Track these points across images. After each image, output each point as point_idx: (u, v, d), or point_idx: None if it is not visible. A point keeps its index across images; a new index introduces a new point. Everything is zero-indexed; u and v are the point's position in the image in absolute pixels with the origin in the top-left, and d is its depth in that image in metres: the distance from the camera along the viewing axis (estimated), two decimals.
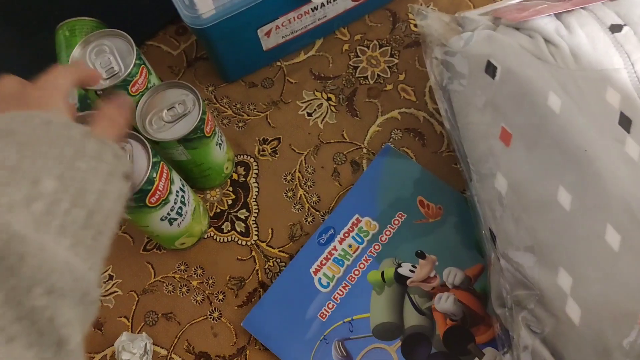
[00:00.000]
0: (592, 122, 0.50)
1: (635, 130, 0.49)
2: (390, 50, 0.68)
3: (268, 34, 0.62)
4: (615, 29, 0.54)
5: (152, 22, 0.71)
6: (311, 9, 0.62)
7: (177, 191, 0.51)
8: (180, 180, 0.53)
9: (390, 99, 0.66)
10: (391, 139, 0.64)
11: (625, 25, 0.54)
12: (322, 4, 0.63)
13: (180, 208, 0.52)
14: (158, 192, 0.49)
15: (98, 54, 0.53)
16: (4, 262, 0.27)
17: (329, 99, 0.66)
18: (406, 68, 0.67)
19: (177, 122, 0.53)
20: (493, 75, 0.54)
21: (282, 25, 0.62)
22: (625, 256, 0.45)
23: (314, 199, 0.62)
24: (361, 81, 0.67)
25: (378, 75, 0.67)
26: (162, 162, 0.49)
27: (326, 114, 0.65)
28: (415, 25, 0.69)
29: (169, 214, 0.52)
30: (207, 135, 0.55)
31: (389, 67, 0.67)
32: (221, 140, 0.59)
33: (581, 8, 0.57)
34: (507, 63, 0.54)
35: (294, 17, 0.62)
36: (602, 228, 0.47)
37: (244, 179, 0.63)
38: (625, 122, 0.50)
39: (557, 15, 0.57)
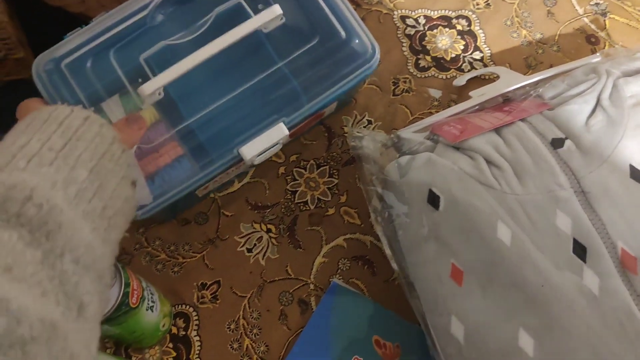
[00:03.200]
0: (546, 253, 0.47)
1: (591, 258, 0.46)
2: (328, 170, 0.65)
3: (206, 187, 0.58)
4: (557, 144, 0.51)
5: None
6: None
7: None
8: None
9: (333, 225, 0.62)
10: (339, 270, 0.59)
11: (566, 138, 0.51)
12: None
13: None
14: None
15: None
16: (45, 227, 0.32)
17: (268, 230, 0.62)
18: (347, 188, 0.64)
19: None
20: (437, 206, 0.51)
21: (218, 179, 0.58)
22: None
23: (262, 348, 0.57)
24: (301, 207, 0.63)
25: (318, 199, 0.63)
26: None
27: (267, 248, 0.61)
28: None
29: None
30: (134, 306, 0.49)
31: (329, 188, 0.64)
32: (152, 301, 0.53)
33: (521, 121, 0.54)
34: (451, 191, 0.51)
35: (231, 169, 0.58)
36: None
37: (184, 333, 0.58)
38: (579, 250, 0.47)
39: (497, 131, 0.54)
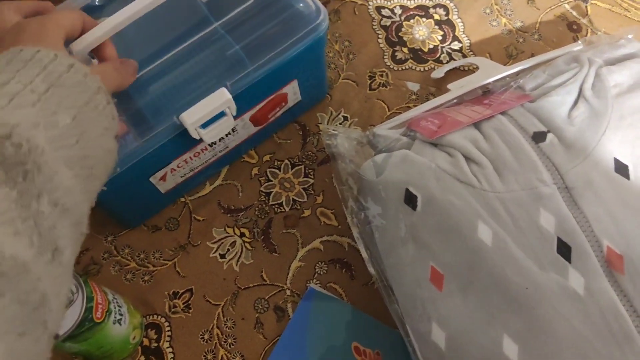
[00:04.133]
0: (529, 253, 0.45)
1: (576, 258, 0.44)
2: (303, 170, 0.62)
3: (163, 178, 0.56)
4: (538, 137, 0.49)
5: None
6: (209, 144, 0.56)
7: None
8: None
9: (309, 227, 0.59)
10: (316, 275, 0.57)
11: (548, 132, 0.49)
12: (221, 138, 0.56)
13: None
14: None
15: None
16: (22, 167, 0.31)
17: (242, 234, 0.59)
18: (323, 188, 0.61)
19: None
20: (414, 206, 0.49)
21: (177, 167, 0.55)
22: None
23: (237, 359, 0.54)
24: (276, 209, 0.60)
25: (294, 200, 0.61)
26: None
27: (241, 253, 0.59)
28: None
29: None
30: (99, 320, 0.47)
31: (304, 189, 0.61)
32: (120, 314, 0.51)
33: (501, 114, 0.52)
34: (428, 190, 0.48)
35: (189, 157, 0.55)
36: None
37: (156, 344, 0.55)
38: (564, 250, 0.45)
39: (477, 125, 0.52)
